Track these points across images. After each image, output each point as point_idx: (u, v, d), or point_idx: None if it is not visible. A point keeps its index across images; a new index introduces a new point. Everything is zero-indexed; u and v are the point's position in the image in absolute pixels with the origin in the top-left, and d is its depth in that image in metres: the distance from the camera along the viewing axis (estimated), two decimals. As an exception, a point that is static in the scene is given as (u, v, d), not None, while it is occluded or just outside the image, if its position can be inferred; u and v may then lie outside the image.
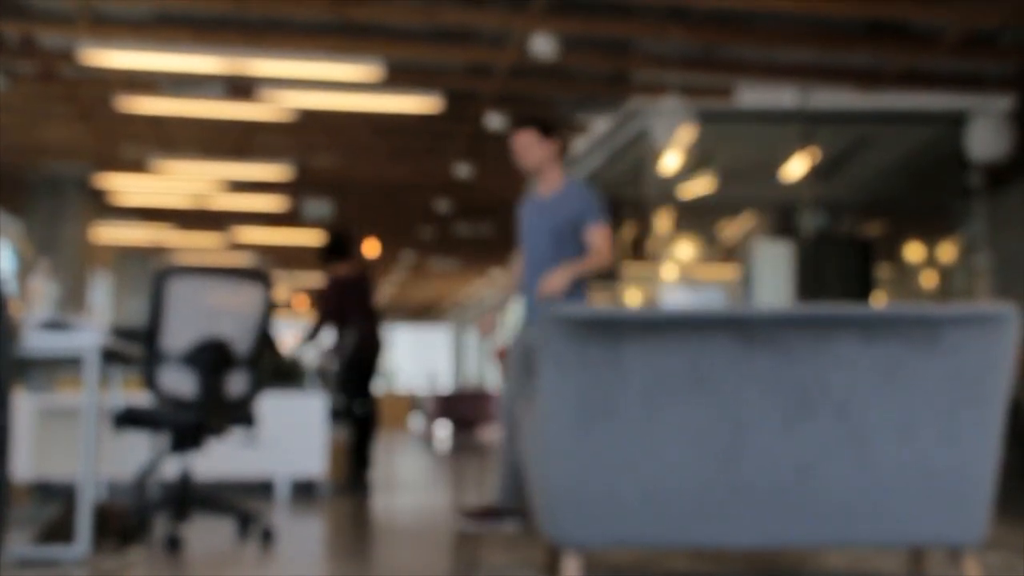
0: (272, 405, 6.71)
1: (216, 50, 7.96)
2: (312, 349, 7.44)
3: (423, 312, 29.64)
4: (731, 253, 12.01)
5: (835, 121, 9.36)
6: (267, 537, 4.43)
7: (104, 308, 16.73)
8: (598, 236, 4.88)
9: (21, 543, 4.10)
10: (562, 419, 2.78)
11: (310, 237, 16.47)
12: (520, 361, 4.85)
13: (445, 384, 26.51)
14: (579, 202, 4.92)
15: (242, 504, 4.66)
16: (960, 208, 9.66)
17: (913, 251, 11.35)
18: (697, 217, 11.46)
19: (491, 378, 23.10)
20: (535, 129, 5.00)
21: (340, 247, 7.52)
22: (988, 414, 2.80)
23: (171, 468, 5.56)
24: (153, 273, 4.33)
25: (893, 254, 11.26)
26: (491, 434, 17.64)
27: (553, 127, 5.03)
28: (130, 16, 7.68)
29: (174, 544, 4.15)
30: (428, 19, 7.37)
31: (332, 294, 7.55)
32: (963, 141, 8.53)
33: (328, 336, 7.61)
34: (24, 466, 6.15)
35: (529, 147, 5.00)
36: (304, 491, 6.93)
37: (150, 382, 4.30)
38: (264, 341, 4.61)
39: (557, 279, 4.77)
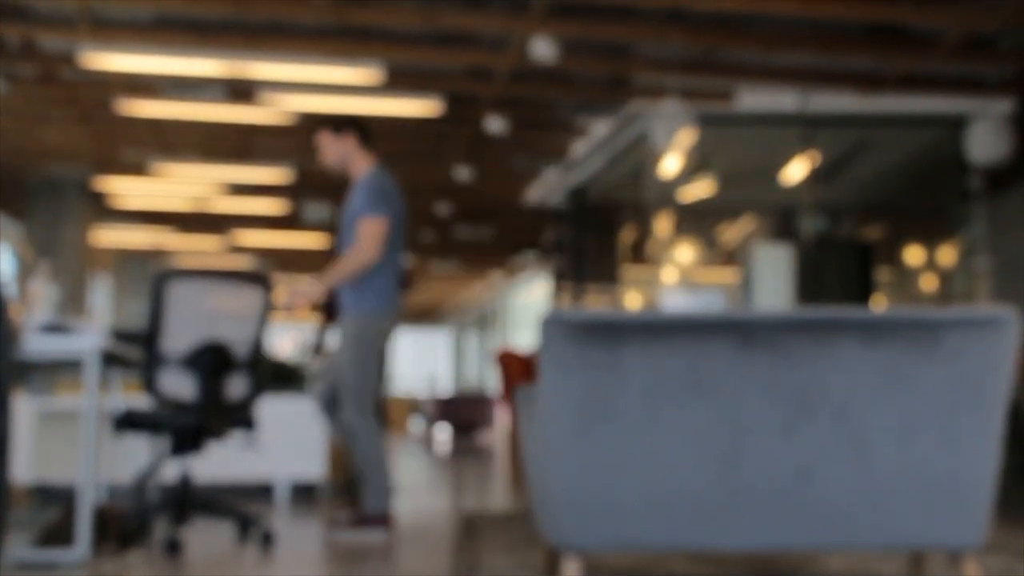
0: (272, 408, 6.71)
1: (216, 53, 7.97)
2: (314, 353, 7.51)
3: (423, 315, 29.63)
4: (731, 256, 12.02)
5: (835, 124, 9.37)
6: (267, 540, 4.43)
7: (104, 311, 16.74)
8: (363, 228, 4.76)
9: (21, 546, 4.10)
10: (562, 422, 2.78)
11: (310, 240, 16.48)
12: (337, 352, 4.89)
13: (445, 387, 26.52)
14: (359, 195, 4.85)
15: (241, 507, 4.66)
16: (960, 211, 9.67)
17: (913, 254, 11.35)
18: (697, 220, 11.47)
19: (491, 381, 23.10)
20: (326, 128, 5.01)
21: None
22: (988, 417, 2.80)
23: (171, 471, 5.56)
24: (153, 276, 4.33)
25: (893, 257, 11.26)
26: (491, 437, 17.64)
27: (344, 122, 5.01)
28: (130, 19, 7.69)
29: (174, 547, 4.15)
30: (428, 22, 7.38)
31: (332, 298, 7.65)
32: (963, 144, 8.53)
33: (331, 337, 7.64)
34: (24, 469, 6.15)
35: (325, 147, 5.02)
36: (304, 494, 6.93)
37: (150, 385, 4.30)
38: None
39: (301, 291, 4.70)
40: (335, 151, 5.00)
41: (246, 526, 4.55)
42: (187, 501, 4.46)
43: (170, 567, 3.84)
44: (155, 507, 4.51)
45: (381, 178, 4.91)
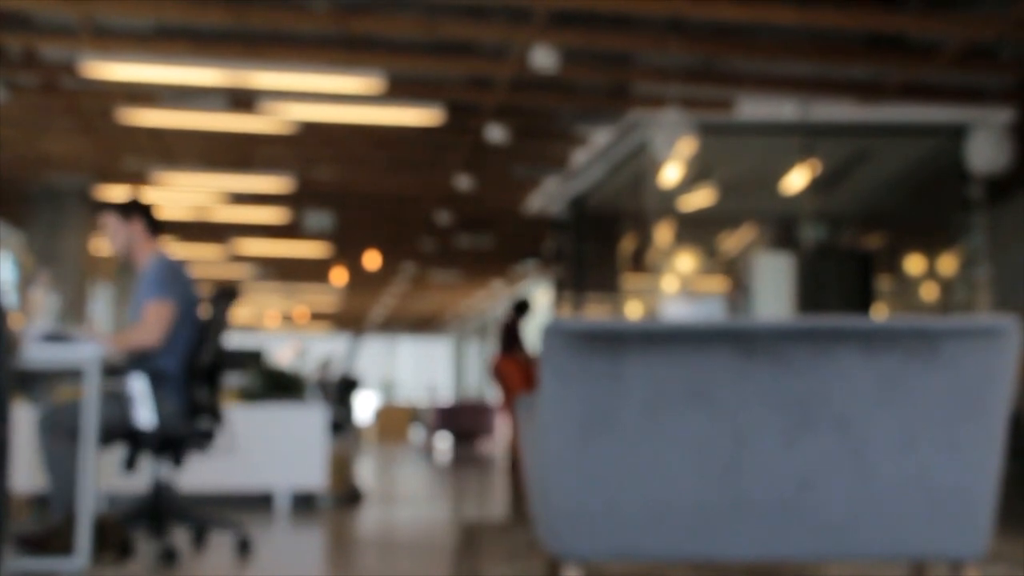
0: (272, 417, 6.70)
1: (217, 62, 7.97)
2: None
3: (424, 324, 29.64)
4: (731, 265, 12.01)
5: (835, 133, 9.36)
6: (244, 548, 4.47)
7: (104, 320, 16.74)
8: (146, 311, 4.56)
9: (21, 555, 4.09)
10: (562, 431, 2.77)
11: (311, 249, 16.48)
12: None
13: (445, 396, 26.52)
14: (145, 281, 4.65)
15: (207, 514, 4.68)
16: (960, 220, 9.67)
17: (913, 263, 11.35)
18: (697, 229, 11.46)
19: (492, 390, 23.09)
20: (114, 212, 4.75)
21: (518, 307, 10.74)
22: (989, 427, 2.79)
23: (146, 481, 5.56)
24: (216, 291, 4.61)
25: (893, 266, 11.25)
26: (491, 446, 17.62)
27: (132, 208, 4.76)
28: (132, 28, 7.70)
29: (170, 557, 4.16)
30: (429, 31, 7.39)
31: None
32: (963, 153, 8.53)
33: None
34: (24, 478, 6.14)
35: (112, 231, 4.76)
36: (304, 503, 6.92)
37: (192, 398, 4.51)
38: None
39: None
40: (121, 236, 4.75)
41: (201, 533, 4.68)
42: (163, 510, 4.50)
43: (170, 576, 3.84)
44: (132, 516, 4.52)
45: (166, 263, 4.69)
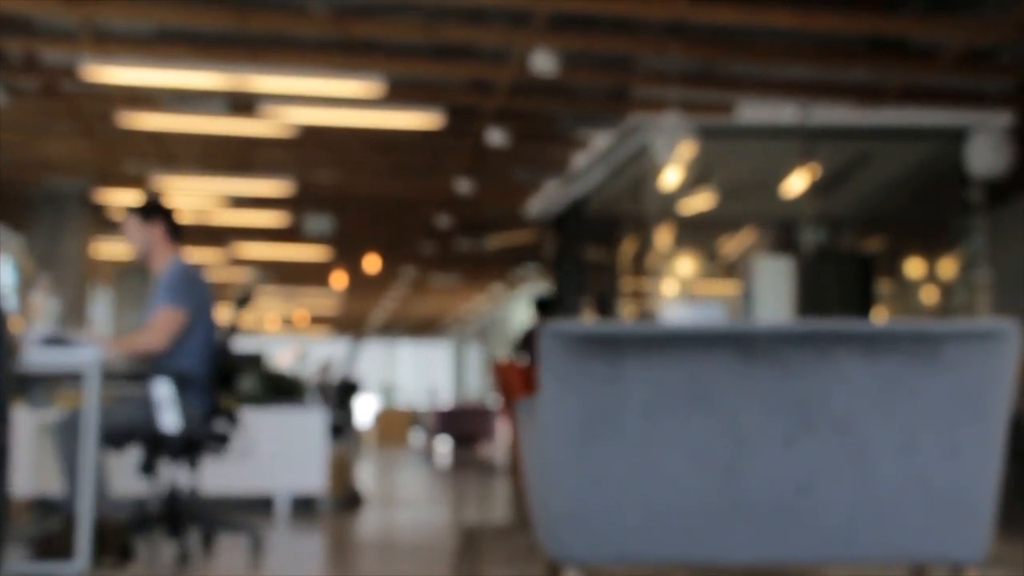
0: (272, 421, 6.70)
1: (217, 66, 7.98)
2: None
3: (424, 327, 29.63)
4: (731, 269, 12.01)
5: (835, 137, 9.36)
6: (257, 549, 4.48)
7: (105, 323, 16.73)
8: (157, 316, 4.54)
9: (20, 558, 4.09)
10: (562, 434, 2.77)
11: (311, 252, 16.48)
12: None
13: (445, 399, 26.51)
14: (160, 287, 4.62)
15: (224, 516, 4.67)
16: (960, 224, 9.67)
17: (913, 267, 11.35)
18: (697, 233, 11.47)
19: (492, 393, 23.09)
20: (135, 214, 4.72)
21: (541, 305, 9.71)
22: (989, 430, 2.79)
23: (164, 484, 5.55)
24: (245, 289, 4.75)
25: (893, 270, 11.25)
26: (491, 450, 17.62)
27: (154, 210, 4.72)
28: (132, 32, 7.71)
29: (184, 559, 4.18)
30: (429, 35, 7.39)
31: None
32: (963, 157, 8.53)
33: None
34: (24, 482, 6.14)
35: (131, 233, 4.72)
36: (304, 507, 6.92)
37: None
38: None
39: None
40: (140, 238, 4.71)
41: (210, 535, 4.70)
42: (182, 513, 4.50)
43: (170, 580, 3.84)
44: (149, 519, 4.53)
45: (182, 269, 4.68)
